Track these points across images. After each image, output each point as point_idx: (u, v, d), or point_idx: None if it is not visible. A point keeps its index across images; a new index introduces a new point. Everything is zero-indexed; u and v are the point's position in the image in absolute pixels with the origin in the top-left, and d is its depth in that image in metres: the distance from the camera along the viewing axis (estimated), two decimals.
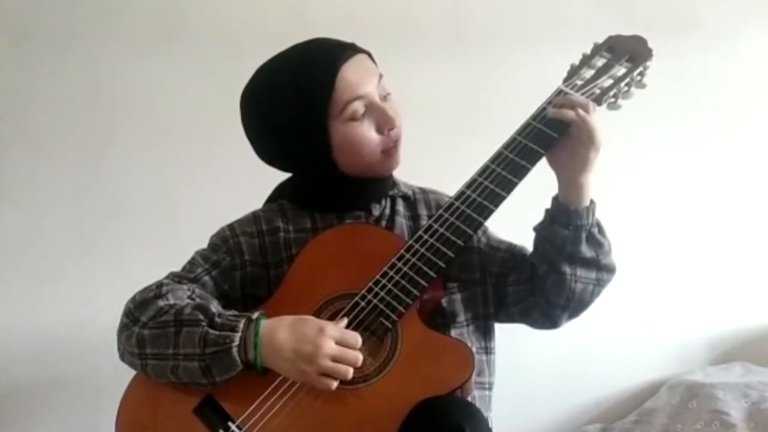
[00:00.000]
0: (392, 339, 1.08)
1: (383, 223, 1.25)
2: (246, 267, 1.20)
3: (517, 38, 2.01)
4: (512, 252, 1.28)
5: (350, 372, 1.02)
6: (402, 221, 1.26)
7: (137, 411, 1.10)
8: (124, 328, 1.11)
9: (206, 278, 1.19)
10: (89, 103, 1.88)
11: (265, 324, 1.04)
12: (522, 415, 1.95)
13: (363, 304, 1.09)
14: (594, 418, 2.05)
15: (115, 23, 1.89)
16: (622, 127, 1.87)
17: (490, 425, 1.13)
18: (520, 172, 1.12)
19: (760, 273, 2.11)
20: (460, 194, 1.14)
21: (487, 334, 1.26)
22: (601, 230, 1.18)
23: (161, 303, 1.10)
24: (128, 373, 1.12)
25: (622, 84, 1.17)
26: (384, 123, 1.17)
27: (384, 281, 1.10)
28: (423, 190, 1.33)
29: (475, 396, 1.16)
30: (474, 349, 1.14)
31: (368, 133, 1.17)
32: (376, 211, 1.24)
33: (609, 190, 1.95)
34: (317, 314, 1.11)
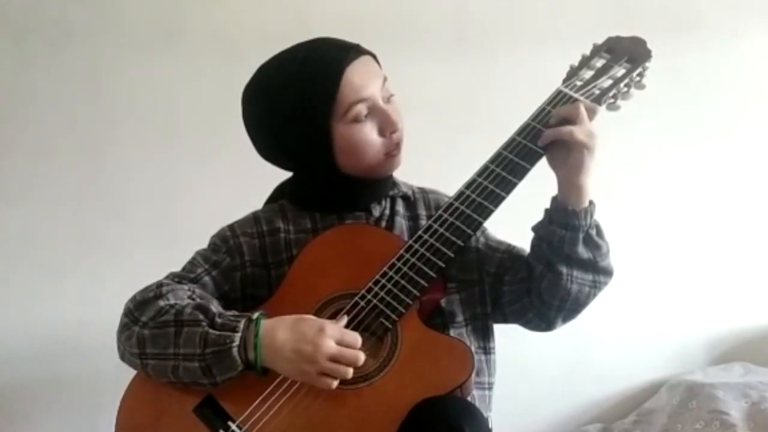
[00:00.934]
0: (392, 339, 1.08)
1: (383, 223, 1.25)
2: (246, 267, 1.20)
3: (517, 39, 2.01)
4: (510, 253, 1.28)
5: (350, 371, 1.02)
6: (401, 221, 1.26)
7: (137, 411, 1.10)
8: (124, 328, 1.11)
9: (206, 278, 1.19)
10: (89, 104, 1.88)
11: (265, 324, 1.05)
12: (522, 415, 1.95)
13: (363, 304, 1.09)
14: (594, 418, 2.05)
15: (115, 23, 1.89)
16: (622, 127, 1.87)
17: (490, 425, 1.14)
18: (520, 173, 1.12)
19: (760, 273, 2.11)
20: (460, 194, 1.14)
21: (485, 334, 1.26)
22: (599, 232, 1.18)
23: (161, 303, 1.10)
24: (128, 373, 1.12)
25: (622, 85, 1.18)
26: (386, 126, 1.17)
27: (384, 281, 1.10)
28: (422, 190, 1.33)
29: (474, 396, 1.16)
30: (473, 349, 1.14)
31: (370, 135, 1.17)
32: (376, 212, 1.25)
33: (608, 190, 1.95)
34: (317, 314, 1.11)
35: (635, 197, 2.04)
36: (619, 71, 1.18)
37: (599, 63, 1.20)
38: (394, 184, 1.29)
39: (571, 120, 1.11)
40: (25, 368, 1.82)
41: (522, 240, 1.26)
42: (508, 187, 1.12)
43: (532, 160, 1.13)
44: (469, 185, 1.14)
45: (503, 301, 1.25)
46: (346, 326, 1.07)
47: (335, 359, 1.02)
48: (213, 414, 1.06)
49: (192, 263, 1.21)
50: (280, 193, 1.31)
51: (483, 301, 1.25)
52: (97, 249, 1.86)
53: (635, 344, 2.06)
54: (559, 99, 1.16)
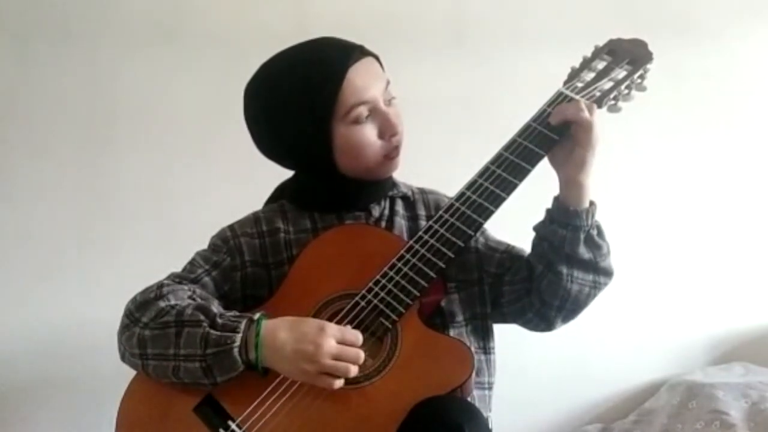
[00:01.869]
0: (392, 339, 1.08)
1: (382, 223, 1.25)
2: (246, 268, 1.20)
3: (517, 40, 2.01)
4: (510, 253, 1.28)
5: (352, 370, 1.02)
6: (401, 222, 1.26)
7: (137, 411, 1.10)
8: (124, 329, 1.12)
9: (207, 279, 1.19)
10: (89, 103, 1.88)
11: (266, 324, 1.05)
12: (522, 415, 1.95)
13: (363, 304, 1.10)
14: (594, 419, 2.05)
15: (116, 23, 1.89)
16: (622, 126, 1.87)
17: (489, 425, 1.14)
18: (521, 174, 1.12)
19: (760, 273, 2.11)
20: (461, 195, 1.14)
21: (485, 334, 1.26)
22: (600, 233, 1.18)
23: (162, 304, 1.10)
24: (128, 373, 1.12)
25: (623, 87, 1.18)
26: (387, 129, 1.18)
27: (384, 281, 1.10)
28: (422, 191, 1.33)
29: (474, 396, 1.16)
30: (473, 350, 1.14)
31: (370, 137, 1.17)
32: (375, 212, 1.25)
33: (608, 190, 1.95)
34: (317, 314, 1.11)
35: (635, 197, 2.04)
36: (620, 73, 1.18)
37: (600, 65, 1.20)
38: (394, 184, 1.29)
39: (572, 117, 1.11)
40: (25, 368, 1.82)
41: (523, 240, 1.26)
42: (509, 187, 1.12)
43: (533, 160, 1.12)
44: (469, 186, 1.14)
45: (503, 300, 1.25)
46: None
47: (336, 358, 1.01)
48: (213, 413, 1.06)
49: (192, 264, 1.21)
50: (280, 193, 1.31)
51: (483, 301, 1.25)
52: (97, 249, 1.86)
53: (635, 344, 2.06)
54: (560, 101, 1.16)
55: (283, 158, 1.25)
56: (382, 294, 1.09)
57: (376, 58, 1.21)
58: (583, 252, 1.15)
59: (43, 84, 1.86)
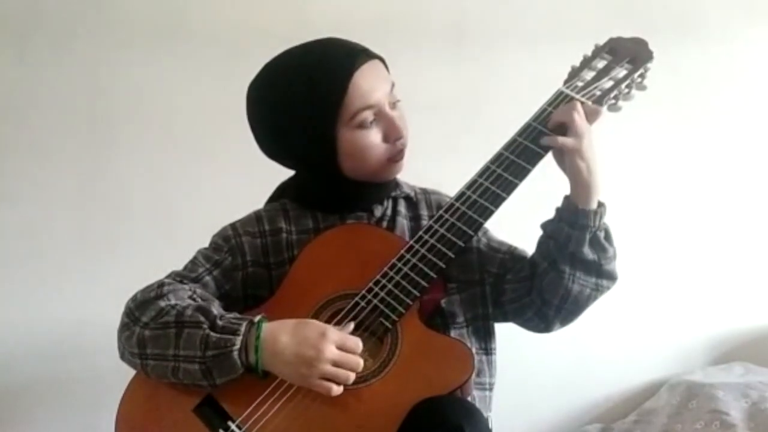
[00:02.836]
0: (392, 339, 1.08)
1: (384, 223, 1.25)
2: (248, 267, 1.20)
3: (517, 39, 2.00)
4: (512, 254, 1.28)
5: (351, 376, 1.02)
6: (403, 222, 1.26)
7: (137, 410, 1.10)
8: (124, 328, 1.11)
9: (208, 278, 1.19)
10: (89, 103, 1.88)
11: (267, 327, 1.04)
12: (522, 415, 1.95)
13: (363, 304, 1.10)
14: (594, 418, 2.05)
15: (116, 23, 1.89)
16: (621, 127, 1.87)
17: (489, 425, 1.14)
18: (521, 174, 1.12)
19: (760, 273, 2.11)
20: (461, 195, 1.14)
21: (486, 334, 1.26)
22: (608, 236, 1.17)
23: (162, 303, 1.09)
24: (128, 373, 1.12)
25: (623, 86, 1.18)
26: (392, 133, 1.17)
27: (384, 281, 1.10)
28: (425, 191, 1.33)
29: (474, 396, 1.16)
30: (473, 350, 1.14)
31: (375, 141, 1.17)
32: (377, 212, 1.25)
33: (608, 190, 1.95)
34: (317, 314, 1.11)
35: (635, 197, 2.03)
36: (621, 72, 1.18)
37: (600, 64, 1.20)
38: (397, 184, 1.29)
39: (565, 122, 1.11)
40: (25, 368, 1.82)
41: (525, 241, 1.26)
42: (510, 187, 1.12)
43: (533, 160, 1.12)
44: (470, 186, 1.14)
45: (504, 299, 1.25)
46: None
47: (336, 364, 1.01)
48: (213, 413, 1.06)
49: (193, 262, 1.21)
50: (281, 192, 1.31)
51: (484, 302, 1.25)
52: (97, 249, 1.86)
53: (635, 344, 2.05)
54: (560, 100, 1.16)
55: (286, 160, 1.25)
56: (383, 294, 1.09)
57: (382, 60, 1.20)
58: (588, 252, 1.15)
59: (43, 84, 1.86)
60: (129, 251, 1.85)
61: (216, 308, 1.09)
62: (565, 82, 1.19)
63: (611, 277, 1.19)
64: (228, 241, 1.22)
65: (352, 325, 1.08)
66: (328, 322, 1.09)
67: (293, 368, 1.02)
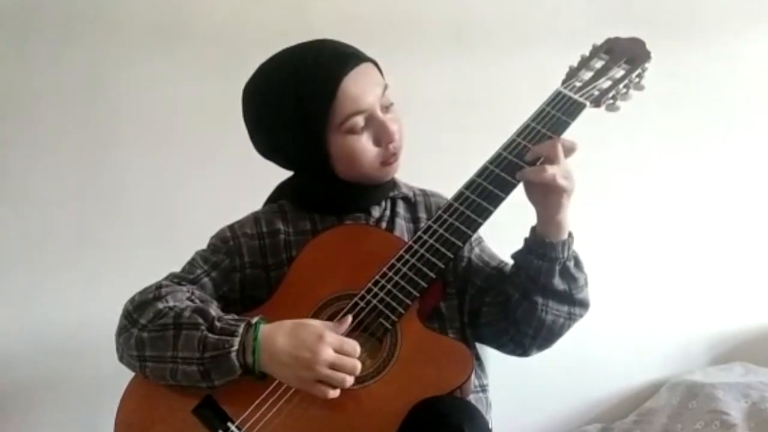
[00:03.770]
0: (391, 340, 1.08)
1: (383, 224, 1.25)
2: (246, 269, 1.20)
3: (516, 39, 2.00)
4: (500, 270, 1.27)
5: (348, 380, 1.02)
6: (402, 223, 1.26)
7: (137, 411, 1.10)
8: (122, 330, 1.11)
9: (205, 279, 1.19)
10: (89, 103, 1.88)
11: (265, 329, 1.04)
12: (522, 415, 1.95)
13: (362, 304, 1.09)
14: (594, 418, 2.04)
15: (116, 23, 1.89)
16: (622, 127, 1.88)
17: (489, 425, 1.14)
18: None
19: (760, 273, 2.11)
20: (459, 195, 1.14)
21: (472, 340, 1.26)
22: (577, 264, 1.17)
23: (160, 305, 1.09)
24: (128, 373, 1.13)
25: (621, 86, 1.17)
26: (383, 137, 1.17)
27: (383, 282, 1.10)
28: (424, 193, 1.33)
29: (471, 399, 1.16)
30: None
31: (366, 145, 1.17)
32: (375, 213, 1.25)
33: (608, 190, 1.96)
34: (316, 315, 1.11)
35: (635, 197, 2.03)
36: (618, 72, 1.18)
37: (598, 64, 1.20)
38: (395, 185, 1.29)
39: (549, 160, 1.09)
40: (25, 368, 1.81)
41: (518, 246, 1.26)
42: (508, 187, 1.11)
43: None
44: (468, 186, 1.14)
45: (481, 321, 1.24)
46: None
47: (333, 367, 1.01)
48: (212, 415, 1.06)
49: (191, 264, 1.21)
50: (280, 193, 1.31)
51: (461, 311, 1.25)
52: (97, 249, 1.85)
53: (635, 344, 2.05)
54: (558, 100, 1.15)
55: (281, 161, 1.25)
56: (382, 294, 1.09)
57: (374, 63, 1.20)
58: (558, 283, 1.15)
59: (43, 84, 1.86)
60: (129, 251, 1.84)
61: (214, 310, 1.09)
62: (563, 82, 1.19)
63: (583, 304, 1.19)
64: (226, 242, 1.22)
65: (349, 319, 1.07)
66: None
67: (290, 370, 1.02)
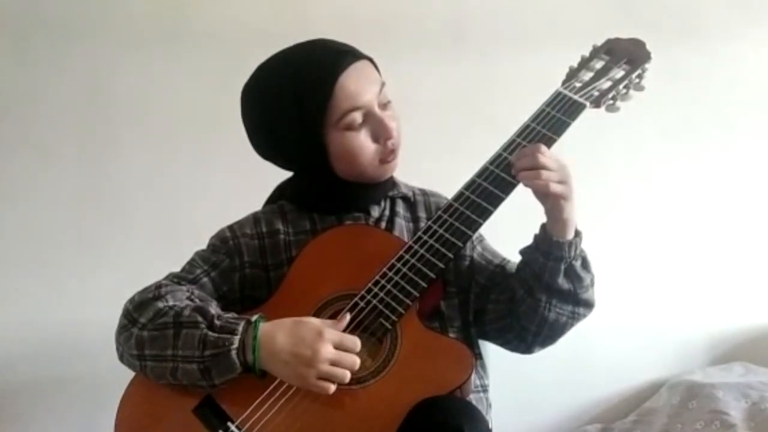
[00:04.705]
0: (391, 340, 1.08)
1: (383, 224, 1.25)
2: (245, 269, 1.20)
3: (516, 40, 2.00)
4: (503, 268, 1.27)
5: (348, 375, 1.02)
6: (401, 222, 1.26)
7: (137, 411, 1.10)
8: (122, 330, 1.12)
9: (205, 279, 1.19)
10: (89, 103, 1.88)
11: (264, 327, 1.04)
12: (522, 415, 1.94)
13: (362, 304, 1.10)
14: (594, 418, 2.04)
15: (116, 23, 1.89)
16: (622, 128, 1.88)
17: (489, 426, 1.14)
18: None
19: (760, 273, 2.10)
20: (459, 196, 1.14)
21: (473, 340, 1.26)
22: (585, 264, 1.18)
23: (160, 304, 1.10)
24: (128, 373, 1.13)
25: (621, 86, 1.18)
26: (381, 133, 1.17)
27: (383, 282, 1.10)
28: (423, 192, 1.33)
29: (471, 399, 1.16)
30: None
31: (365, 142, 1.17)
32: (375, 212, 1.25)
33: (608, 190, 1.96)
34: (316, 315, 1.11)
35: (634, 198, 2.03)
36: (619, 73, 1.18)
37: (598, 64, 1.20)
38: (394, 184, 1.29)
39: (535, 169, 1.08)
40: (25, 368, 1.81)
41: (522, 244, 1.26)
42: (508, 188, 1.12)
43: None
44: (468, 186, 1.14)
45: (486, 318, 1.25)
46: (347, 326, 1.07)
47: (333, 363, 1.01)
48: (212, 414, 1.06)
49: (191, 264, 1.21)
50: (279, 194, 1.31)
51: (466, 310, 1.25)
52: (97, 249, 1.85)
53: (635, 344, 2.05)
54: (558, 100, 1.16)
55: (280, 161, 1.25)
56: (382, 294, 1.09)
57: (371, 60, 1.20)
58: (563, 283, 1.15)
59: (43, 84, 1.86)
60: (128, 251, 1.84)
61: (214, 308, 1.09)
62: (563, 82, 1.19)
63: (588, 304, 1.20)
64: (226, 242, 1.22)
65: (348, 316, 1.07)
66: None
67: (290, 368, 1.02)
